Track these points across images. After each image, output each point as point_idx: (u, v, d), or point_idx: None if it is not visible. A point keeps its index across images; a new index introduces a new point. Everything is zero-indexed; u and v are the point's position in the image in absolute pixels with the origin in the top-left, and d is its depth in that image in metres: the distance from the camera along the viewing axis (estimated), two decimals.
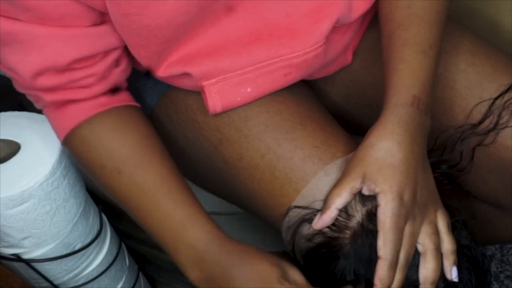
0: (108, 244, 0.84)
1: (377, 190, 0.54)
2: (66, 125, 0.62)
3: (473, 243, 0.58)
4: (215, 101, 0.63)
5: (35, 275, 0.76)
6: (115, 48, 0.60)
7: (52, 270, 0.77)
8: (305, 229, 0.58)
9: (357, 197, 0.56)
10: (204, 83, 0.61)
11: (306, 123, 0.63)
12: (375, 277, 0.53)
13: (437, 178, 0.59)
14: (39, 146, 0.69)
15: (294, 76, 0.64)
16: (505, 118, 0.65)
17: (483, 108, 0.66)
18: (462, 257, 0.57)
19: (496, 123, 0.65)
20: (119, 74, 0.62)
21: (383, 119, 0.56)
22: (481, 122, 0.66)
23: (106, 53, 0.60)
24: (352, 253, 0.55)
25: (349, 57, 0.72)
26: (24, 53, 0.56)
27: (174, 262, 0.59)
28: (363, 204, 0.56)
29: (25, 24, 0.54)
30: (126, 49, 0.62)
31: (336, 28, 0.63)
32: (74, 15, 0.55)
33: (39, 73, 0.57)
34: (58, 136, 0.64)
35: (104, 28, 0.58)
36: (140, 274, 1.01)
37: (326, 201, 0.56)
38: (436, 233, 0.55)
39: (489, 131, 0.65)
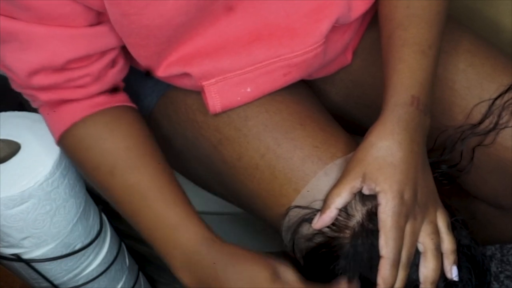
0: (108, 244, 0.84)
1: (377, 189, 0.54)
2: (61, 124, 0.62)
3: (473, 242, 0.58)
4: (215, 101, 0.63)
5: (35, 275, 0.76)
6: (112, 49, 0.60)
7: (52, 270, 0.77)
8: (305, 229, 0.58)
9: (357, 197, 0.56)
10: (204, 83, 0.61)
11: (306, 123, 0.63)
12: (378, 277, 0.53)
13: (437, 178, 0.59)
14: (39, 146, 0.69)
15: (294, 76, 0.64)
16: (505, 118, 0.65)
17: (483, 108, 0.66)
18: (462, 257, 0.57)
19: (496, 123, 0.65)
20: (115, 75, 0.62)
21: (382, 119, 0.56)
22: (481, 122, 0.66)
23: (102, 53, 0.60)
24: (352, 252, 0.55)
25: (348, 57, 0.72)
26: (21, 52, 0.56)
27: (166, 264, 0.59)
28: (363, 204, 0.56)
29: (23, 23, 0.54)
30: (123, 50, 0.62)
31: (336, 28, 0.63)
32: (71, 15, 0.55)
33: (35, 72, 0.57)
34: (53, 135, 0.64)
35: (101, 29, 0.58)
36: (140, 274, 1.01)
37: (326, 201, 0.56)
38: (436, 232, 0.55)
39: (489, 131, 0.65)
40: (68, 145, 0.63)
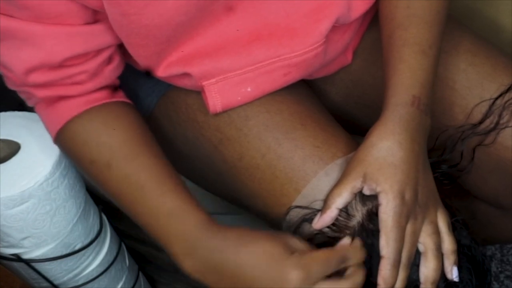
0: (108, 244, 0.84)
1: (378, 189, 0.54)
2: (58, 121, 0.62)
3: (473, 242, 0.58)
4: (215, 100, 0.63)
5: (35, 275, 0.76)
6: (108, 47, 0.61)
7: (52, 270, 0.77)
8: (306, 229, 0.58)
9: (357, 197, 0.56)
10: (204, 83, 0.61)
11: (307, 122, 0.63)
12: (378, 277, 0.53)
13: (437, 178, 0.59)
14: (39, 146, 0.69)
15: (294, 76, 0.64)
16: (505, 118, 0.65)
17: (484, 108, 0.66)
18: (463, 257, 0.57)
19: (497, 123, 0.65)
20: (111, 71, 0.63)
21: (383, 119, 0.56)
22: (481, 122, 0.66)
23: (99, 51, 0.60)
24: None
25: (349, 57, 0.72)
26: (18, 50, 0.56)
27: (168, 255, 0.58)
28: (364, 204, 0.56)
29: (20, 21, 0.55)
30: (119, 47, 0.62)
31: (336, 28, 0.63)
32: (68, 14, 0.55)
33: (32, 70, 0.57)
34: (50, 133, 0.64)
35: (97, 27, 0.58)
36: (140, 274, 1.01)
37: (326, 201, 0.56)
38: (437, 232, 0.55)
39: (490, 131, 0.65)
40: (65, 140, 0.63)
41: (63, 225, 0.72)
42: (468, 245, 0.58)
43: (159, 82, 0.69)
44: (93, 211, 0.80)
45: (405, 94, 0.56)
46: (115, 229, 0.88)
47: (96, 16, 0.58)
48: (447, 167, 0.62)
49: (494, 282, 1.13)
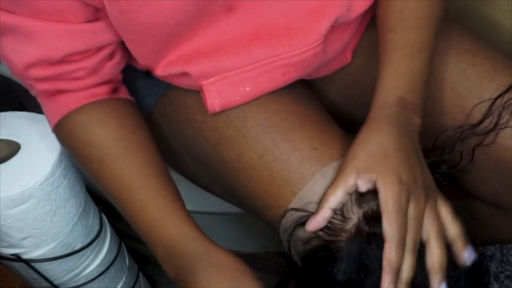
0: (108, 244, 0.84)
1: (373, 177, 0.53)
2: (56, 113, 0.63)
3: (472, 245, 0.58)
4: (213, 100, 0.63)
5: (35, 275, 0.76)
6: (109, 44, 0.61)
7: (52, 270, 0.77)
8: (301, 232, 0.58)
9: (353, 199, 0.56)
10: (202, 82, 0.61)
11: (305, 123, 0.63)
12: (383, 259, 0.52)
13: (437, 179, 0.59)
14: (39, 146, 0.69)
15: (293, 75, 0.64)
16: (505, 118, 0.65)
17: (483, 108, 0.66)
18: None
19: (496, 123, 0.65)
20: (112, 68, 0.63)
21: (370, 119, 0.57)
22: (481, 122, 0.66)
23: (99, 48, 0.60)
24: (348, 256, 0.54)
25: (348, 56, 0.72)
26: (19, 45, 0.57)
27: (156, 257, 0.60)
28: (360, 206, 0.55)
29: (21, 17, 0.55)
30: (121, 44, 0.62)
31: (335, 27, 0.63)
32: (68, 11, 0.56)
33: (32, 65, 0.58)
34: (49, 123, 0.65)
35: (98, 25, 0.58)
36: (140, 274, 1.01)
37: (320, 201, 0.56)
38: (438, 218, 0.54)
39: (489, 131, 0.65)
40: (62, 134, 0.64)
41: (63, 225, 0.72)
42: None
43: (158, 82, 0.69)
44: (93, 211, 0.80)
45: (390, 96, 0.57)
46: (115, 229, 0.88)
47: (97, 14, 0.58)
48: (446, 168, 0.61)
49: (494, 282, 1.13)
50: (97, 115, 0.62)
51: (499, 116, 0.65)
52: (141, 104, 0.72)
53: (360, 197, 0.55)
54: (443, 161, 0.62)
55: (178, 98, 0.69)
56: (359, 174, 0.54)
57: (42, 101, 0.64)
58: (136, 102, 0.68)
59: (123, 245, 0.91)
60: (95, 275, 0.83)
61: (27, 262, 0.73)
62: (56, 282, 0.79)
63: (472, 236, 0.58)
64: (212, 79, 0.61)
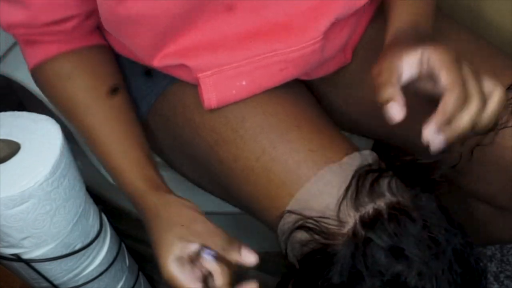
0: (108, 244, 0.84)
1: (419, 51, 0.52)
2: (33, 58, 0.67)
3: (468, 246, 0.57)
4: (210, 94, 0.63)
5: (35, 275, 0.76)
6: (91, 10, 0.63)
7: (52, 270, 0.77)
8: (298, 235, 0.58)
9: (349, 203, 0.56)
10: (199, 75, 0.62)
11: (303, 125, 0.63)
12: (439, 108, 0.51)
13: (435, 179, 0.59)
14: (39, 146, 0.69)
15: (291, 72, 0.64)
16: (504, 118, 0.65)
17: None
18: (455, 262, 0.56)
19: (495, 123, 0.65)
20: (89, 26, 0.66)
21: (389, 36, 0.59)
22: None
23: (79, 13, 0.62)
24: (344, 260, 0.54)
25: (348, 56, 0.72)
26: (5, 4, 0.60)
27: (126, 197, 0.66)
28: (356, 210, 0.55)
29: None
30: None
31: (333, 24, 0.63)
32: None
33: (14, 25, 0.62)
34: (27, 64, 0.69)
35: None
36: (140, 274, 1.01)
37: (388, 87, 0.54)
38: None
39: (488, 131, 0.65)
40: (39, 80, 0.69)
41: (63, 225, 0.72)
42: (460, 249, 0.57)
43: (156, 82, 0.69)
44: (93, 211, 0.80)
45: (402, 22, 0.60)
46: (115, 229, 0.88)
47: None
48: (446, 168, 0.61)
49: (494, 282, 1.13)
50: (71, 64, 0.66)
51: (498, 116, 0.65)
52: (139, 104, 0.72)
53: (356, 199, 0.55)
54: (442, 161, 0.62)
55: (176, 98, 0.69)
56: (406, 55, 0.53)
57: (21, 45, 0.67)
58: (134, 102, 0.69)
59: (123, 245, 0.91)
60: (95, 275, 0.83)
61: (27, 262, 0.73)
62: (56, 282, 0.79)
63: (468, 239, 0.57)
64: (209, 72, 0.61)
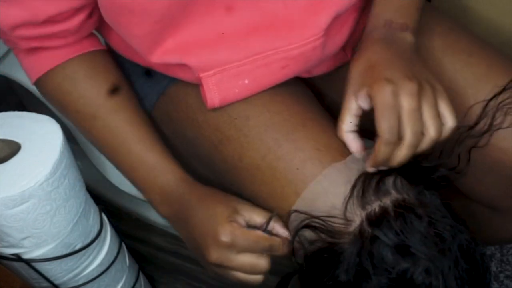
0: (108, 244, 0.84)
1: (365, 91, 0.56)
2: (39, 68, 0.66)
3: (473, 243, 0.58)
4: (212, 93, 0.63)
5: (35, 275, 0.76)
6: (90, 3, 0.62)
7: (52, 270, 0.77)
8: (305, 234, 0.58)
9: (355, 201, 0.56)
10: (201, 75, 0.62)
11: (308, 124, 0.63)
12: (372, 153, 0.56)
13: (435, 181, 0.59)
14: (39, 146, 0.69)
15: (292, 69, 0.64)
16: (498, 119, 0.65)
17: (478, 109, 0.66)
18: (461, 258, 0.57)
19: (490, 125, 0.65)
20: (92, 25, 0.66)
21: (360, 43, 0.62)
22: (476, 123, 0.66)
23: (81, 7, 0.62)
24: (351, 258, 0.54)
25: (349, 53, 0.72)
26: (3, 7, 0.59)
27: (147, 200, 0.67)
28: (363, 208, 0.55)
29: None
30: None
31: (334, 21, 0.63)
32: None
33: (17, 26, 0.61)
34: (29, 76, 0.68)
35: None
36: (140, 274, 1.01)
37: (338, 134, 0.60)
38: (435, 107, 0.56)
39: (484, 133, 0.65)
40: (47, 89, 0.67)
41: (63, 225, 0.72)
42: (466, 245, 0.57)
43: (158, 81, 0.69)
44: (93, 211, 0.80)
45: (377, 20, 0.63)
46: (115, 229, 0.88)
47: None
48: (445, 170, 0.62)
49: (494, 282, 1.13)
50: (84, 71, 0.66)
51: (493, 117, 0.65)
52: (142, 104, 0.72)
53: (363, 198, 0.55)
54: (442, 163, 0.62)
55: (179, 97, 0.69)
56: (356, 95, 0.57)
57: (22, 56, 0.67)
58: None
59: (123, 245, 0.91)
60: (95, 275, 0.83)
61: (27, 262, 0.73)
62: (56, 282, 0.79)
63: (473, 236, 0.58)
64: (211, 72, 0.61)
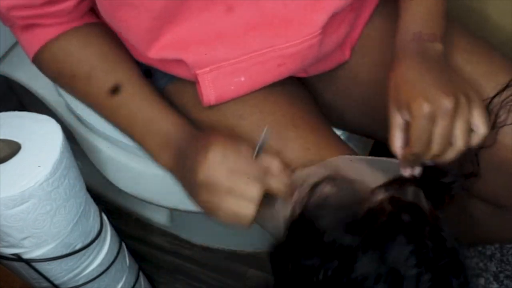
0: (108, 244, 0.84)
1: (405, 108, 0.57)
2: (36, 43, 0.66)
3: (458, 246, 0.56)
4: (208, 90, 0.63)
5: (35, 275, 0.76)
6: None
7: (52, 270, 0.77)
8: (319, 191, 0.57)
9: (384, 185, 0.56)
10: (198, 72, 0.62)
11: (298, 124, 0.64)
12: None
13: (453, 190, 0.59)
14: (39, 146, 0.69)
15: (289, 68, 0.64)
16: (502, 116, 0.65)
17: None
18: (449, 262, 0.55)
19: (494, 122, 0.65)
20: (86, 6, 0.65)
21: (394, 58, 0.62)
22: None
23: None
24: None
25: (346, 53, 0.73)
26: None
27: (144, 150, 0.65)
28: (386, 189, 0.55)
29: None
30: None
31: (331, 19, 0.63)
32: None
33: (14, 7, 0.61)
34: (27, 54, 0.68)
35: None
36: (140, 274, 1.01)
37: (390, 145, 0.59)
38: (466, 126, 0.58)
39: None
40: (44, 61, 0.67)
41: (64, 225, 0.72)
42: (453, 247, 0.55)
43: (156, 80, 0.69)
44: (93, 211, 0.80)
45: (406, 34, 0.63)
46: (115, 229, 0.88)
47: None
48: (462, 180, 0.62)
49: (494, 282, 1.13)
50: (77, 40, 0.66)
51: (497, 115, 0.65)
52: None
53: (389, 186, 0.56)
54: (458, 171, 0.62)
55: (175, 96, 0.69)
56: (400, 112, 0.58)
57: (18, 33, 0.66)
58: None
59: (123, 245, 0.91)
60: (95, 275, 0.83)
61: (28, 262, 0.73)
62: (56, 282, 0.79)
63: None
64: (207, 69, 0.62)
